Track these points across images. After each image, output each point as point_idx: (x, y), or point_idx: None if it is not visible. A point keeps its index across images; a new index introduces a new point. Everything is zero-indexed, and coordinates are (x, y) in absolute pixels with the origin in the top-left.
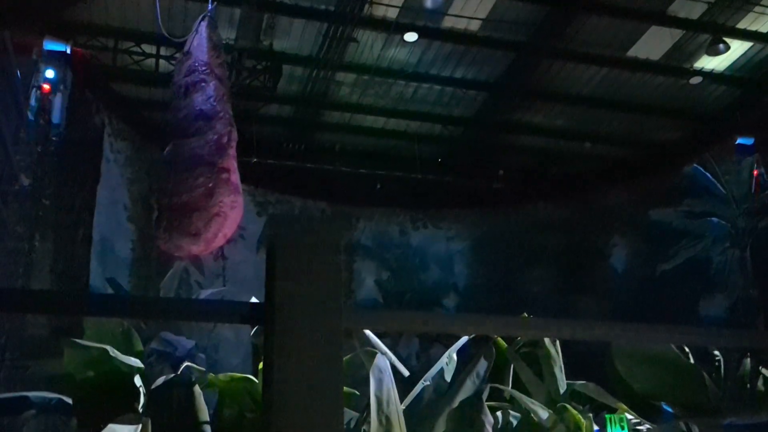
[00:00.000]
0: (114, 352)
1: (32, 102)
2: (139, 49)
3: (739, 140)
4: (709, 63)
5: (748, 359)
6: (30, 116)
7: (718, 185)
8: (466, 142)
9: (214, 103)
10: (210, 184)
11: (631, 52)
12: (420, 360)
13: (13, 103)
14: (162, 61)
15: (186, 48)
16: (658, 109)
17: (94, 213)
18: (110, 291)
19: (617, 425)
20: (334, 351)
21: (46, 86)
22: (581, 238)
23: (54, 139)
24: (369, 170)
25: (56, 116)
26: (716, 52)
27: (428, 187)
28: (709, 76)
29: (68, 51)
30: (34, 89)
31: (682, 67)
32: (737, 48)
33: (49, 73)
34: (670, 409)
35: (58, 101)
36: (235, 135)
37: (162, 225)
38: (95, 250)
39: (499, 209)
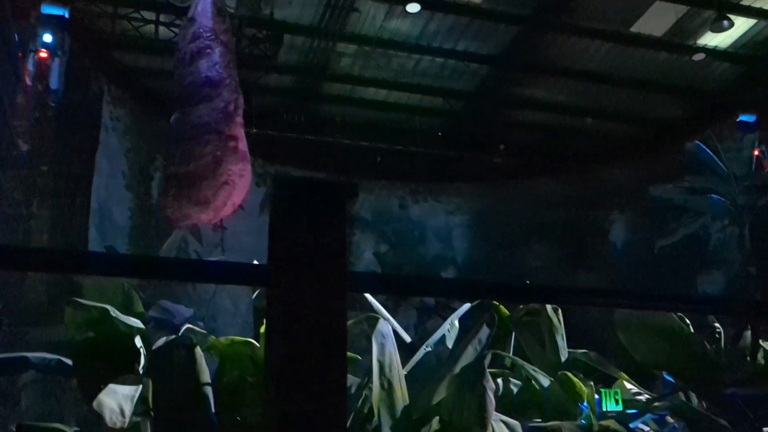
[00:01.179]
0: (115, 312)
1: (30, 67)
2: (138, 15)
3: (742, 118)
4: (713, 40)
5: (749, 332)
6: (28, 81)
7: (719, 162)
8: (467, 115)
9: (220, 70)
10: (218, 153)
11: (635, 28)
12: (418, 332)
13: (11, 67)
14: (162, 28)
15: (190, 14)
16: (660, 86)
17: (93, 181)
18: None
19: (611, 399)
20: (339, 314)
21: (44, 51)
22: (581, 214)
23: (52, 105)
24: (369, 143)
25: (54, 82)
26: (720, 29)
27: (429, 160)
28: (713, 52)
29: (66, 16)
30: (32, 54)
31: (685, 43)
32: (741, 25)
33: (47, 38)
34: (671, 379)
35: (56, 67)
36: (242, 102)
37: (170, 194)
38: (93, 218)
39: (500, 184)
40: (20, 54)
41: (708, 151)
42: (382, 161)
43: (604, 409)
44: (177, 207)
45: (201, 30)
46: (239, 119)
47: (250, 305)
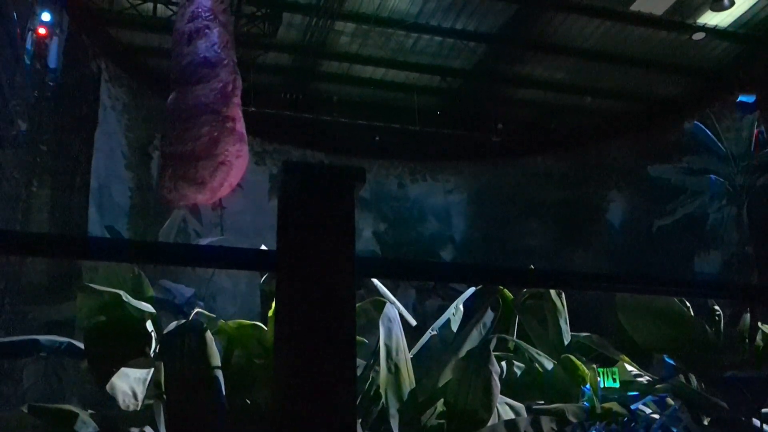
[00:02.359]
0: (127, 297)
1: (28, 45)
2: None
3: (741, 98)
4: (713, 19)
5: (748, 314)
6: (26, 60)
7: (718, 142)
8: (465, 94)
9: (218, 50)
10: (215, 133)
11: (634, 6)
12: (417, 312)
13: (10, 46)
14: (160, 6)
15: None
16: (660, 65)
17: (92, 160)
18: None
19: (609, 378)
20: (347, 298)
21: (42, 29)
22: (580, 192)
23: (51, 84)
24: (367, 121)
25: (53, 60)
26: (721, 8)
27: (427, 139)
28: (713, 32)
29: None
30: (30, 32)
31: (685, 22)
32: (742, 3)
33: (45, 16)
34: (671, 362)
35: (54, 45)
36: (239, 83)
37: (167, 174)
38: (93, 197)
39: (498, 162)
40: (18, 31)
41: (707, 130)
42: (381, 140)
43: (602, 386)
44: (173, 187)
45: (199, 10)
46: (237, 100)
47: (249, 284)
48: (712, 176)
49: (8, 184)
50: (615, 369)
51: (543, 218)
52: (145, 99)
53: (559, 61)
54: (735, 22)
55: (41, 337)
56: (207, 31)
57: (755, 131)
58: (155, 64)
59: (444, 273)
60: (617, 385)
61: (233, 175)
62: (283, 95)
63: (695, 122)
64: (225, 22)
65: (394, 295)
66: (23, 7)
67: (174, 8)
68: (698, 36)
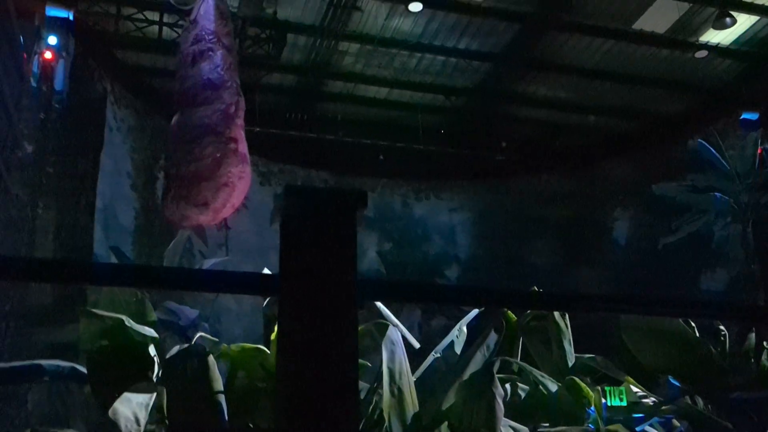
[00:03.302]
0: (129, 322)
1: (35, 69)
2: (141, 16)
3: (744, 115)
4: (715, 37)
5: (753, 334)
6: (33, 83)
7: (722, 160)
8: (469, 113)
9: (222, 73)
10: (218, 154)
11: (637, 25)
12: (422, 331)
13: (16, 69)
14: (165, 29)
15: (193, 16)
16: (663, 83)
17: (98, 181)
18: (114, 260)
19: (616, 398)
20: (349, 322)
21: (49, 53)
22: (584, 211)
23: (57, 106)
24: (372, 141)
25: (59, 83)
26: (723, 26)
27: (431, 158)
28: (715, 49)
29: (71, 17)
30: (37, 56)
31: (687, 40)
32: (744, 21)
33: (52, 40)
34: (676, 383)
35: (60, 68)
36: (242, 104)
37: (169, 195)
38: (99, 218)
39: (502, 181)
40: (25, 55)
41: (711, 148)
42: (385, 159)
43: (609, 404)
44: (176, 208)
45: (203, 33)
46: (240, 121)
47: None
48: (717, 194)
49: (14, 206)
50: (622, 388)
51: (548, 237)
52: (151, 120)
53: (563, 80)
54: (737, 40)
55: (44, 362)
56: (210, 53)
57: (759, 149)
58: (161, 85)
59: (446, 295)
60: (624, 403)
61: (236, 197)
62: (287, 115)
63: (699, 140)
64: (228, 45)
65: (399, 315)
66: (30, 31)
67: (179, 31)
68: (701, 54)
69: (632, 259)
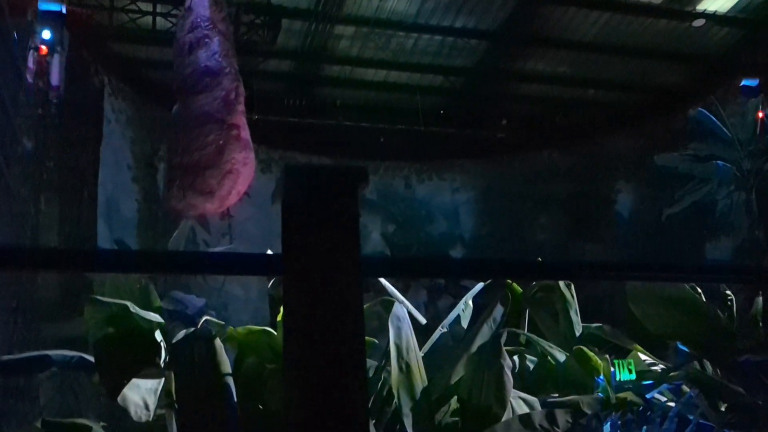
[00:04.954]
0: (134, 308)
1: (30, 64)
2: (135, 7)
3: (744, 82)
4: (712, 5)
5: (760, 298)
6: (29, 79)
7: (723, 128)
8: (468, 92)
9: (219, 59)
10: (220, 141)
11: None
12: (428, 311)
13: (12, 65)
14: (159, 18)
15: (187, 3)
16: (661, 53)
17: (99, 174)
18: None
19: (625, 369)
20: (355, 299)
21: (44, 48)
22: (587, 185)
23: (54, 101)
24: (372, 124)
25: (55, 78)
26: None
27: (432, 139)
28: (713, 17)
29: (63, 11)
30: (31, 51)
31: (684, 9)
32: None
33: (46, 34)
34: (685, 349)
35: (56, 63)
36: (242, 90)
37: (174, 184)
38: (101, 211)
39: (504, 159)
40: (20, 51)
41: (711, 117)
42: (385, 142)
43: (618, 379)
44: (182, 197)
45: (198, 20)
46: (240, 107)
47: (260, 292)
48: (719, 162)
49: (16, 202)
50: (630, 360)
51: (552, 213)
52: (149, 111)
53: (561, 55)
54: (735, 6)
55: (51, 353)
56: (207, 40)
57: (761, 113)
58: (157, 76)
59: (449, 269)
60: (633, 377)
61: (241, 183)
62: (286, 102)
63: (699, 109)
64: (224, 31)
65: (406, 295)
66: (24, 26)
67: (173, 20)
68: (698, 23)
69: (637, 231)
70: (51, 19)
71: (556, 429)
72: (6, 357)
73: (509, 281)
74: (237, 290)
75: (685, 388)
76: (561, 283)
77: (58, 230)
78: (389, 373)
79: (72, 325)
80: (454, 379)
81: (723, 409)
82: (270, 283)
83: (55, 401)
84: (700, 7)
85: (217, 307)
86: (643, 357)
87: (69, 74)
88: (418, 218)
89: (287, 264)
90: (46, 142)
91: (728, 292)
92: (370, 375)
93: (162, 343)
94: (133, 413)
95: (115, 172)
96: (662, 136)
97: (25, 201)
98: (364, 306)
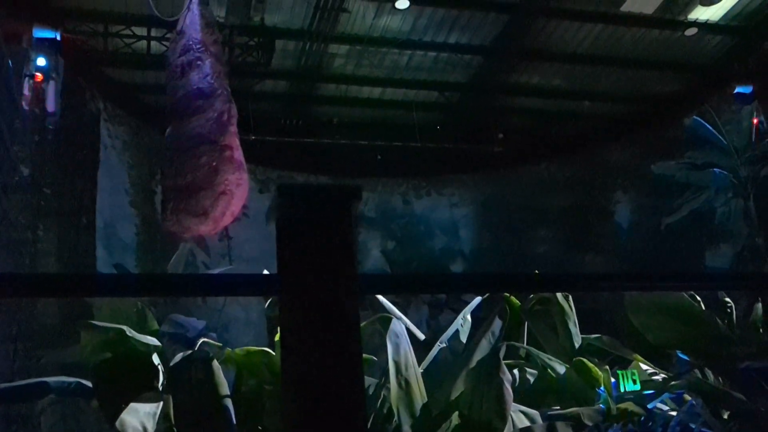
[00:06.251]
0: (131, 332)
1: (26, 91)
2: (129, 32)
3: (738, 89)
4: (704, 13)
5: (759, 304)
6: (25, 106)
7: (719, 135)
8: (463, 107)
9: (212, 81)
10: (213, 163)
11: (625, 7)
12: (430, 327)
13: (7, 93)
14: (154, 43)
15: (179, 27)
16: (655, 63)
17: (96, 199)
18: None
19: (629, 380)
20: (352, 317)
21: (39, 75)
22: (585, 196)
23: (50, 127)
24: (369, 141)
25: (51, 105)
26: (710, 2)
27: (429, 154)
28: (705, 26)
29: (58, 38)
30: (27, 78)
31: (676, 19)
32: None
33: (41, 61)
34: (685, 357)
35: (51, 89)
36: (234, 111)
37: (168, 207)
38: (100, 236)
39: (501, 172)
40: (15, 79)
41: (707, 125)
42: (383, 159)
43: (622, 390)
44: (176, 220)
45: (190, 42)
46: (233, 128)
47: (261, 313)
48: (716, 170)
49: (14, 230)
50: (634, 371)
51: (551, 225)
52: (145, 136)
53: (555, 68)
54: (726, 14)
55: (50, 379)
56: (199, 62)
57: (755, 119)
58: (153, 100)
59: (447, 284)
60: (638, 387)
61: (235, 204)
62: (282, 122)
63: (694, 117)
64: (216, 53)
65: (407, 312)
66: (18, 54)
67: (167, 44)
68: (691, 32)
69: (637, 241)
70: (46, 46)
71: None
72: (3, 385)
73: (507, 294)
74: (238, 311)
75: (686, 396)
76: (559, 295)
77: (56, 256)
78: (389, 390)
79: (72, 351)
80: (454, 395)
81: (725, 416)
82: (267, 304)
83: (58, 429)
84: (692, 17)
85: (218, 329)
86: (644, 367)
87: (65, 100)
88: (418, 234)
89: (283, 283)
90: (42, 169)
91: (727, 299)
92: (370, 393)
93: (159, 367)
94: None
95: (113, 197)
96: (658, 146)
97: (22, 228)
98: (363, 323)
